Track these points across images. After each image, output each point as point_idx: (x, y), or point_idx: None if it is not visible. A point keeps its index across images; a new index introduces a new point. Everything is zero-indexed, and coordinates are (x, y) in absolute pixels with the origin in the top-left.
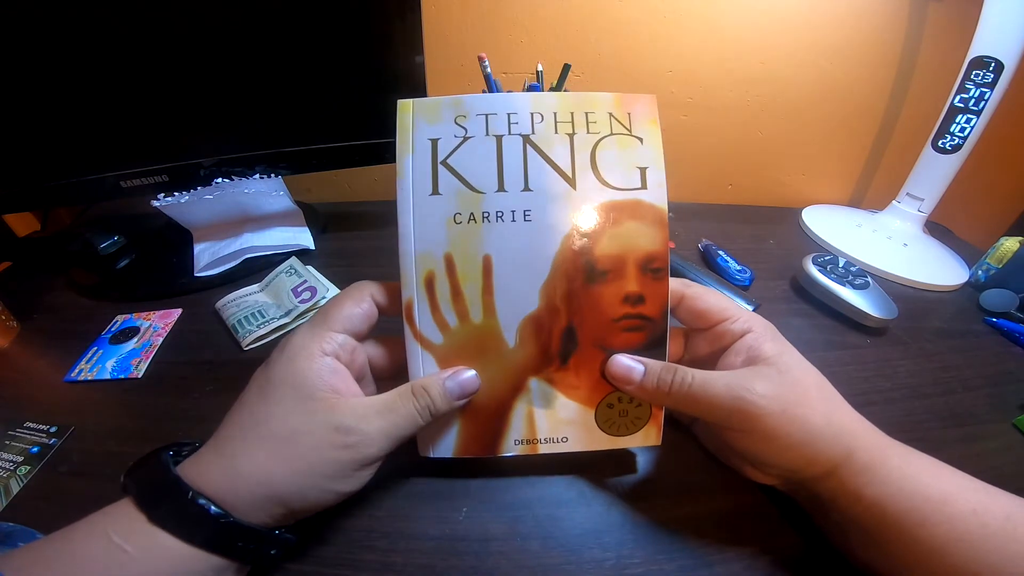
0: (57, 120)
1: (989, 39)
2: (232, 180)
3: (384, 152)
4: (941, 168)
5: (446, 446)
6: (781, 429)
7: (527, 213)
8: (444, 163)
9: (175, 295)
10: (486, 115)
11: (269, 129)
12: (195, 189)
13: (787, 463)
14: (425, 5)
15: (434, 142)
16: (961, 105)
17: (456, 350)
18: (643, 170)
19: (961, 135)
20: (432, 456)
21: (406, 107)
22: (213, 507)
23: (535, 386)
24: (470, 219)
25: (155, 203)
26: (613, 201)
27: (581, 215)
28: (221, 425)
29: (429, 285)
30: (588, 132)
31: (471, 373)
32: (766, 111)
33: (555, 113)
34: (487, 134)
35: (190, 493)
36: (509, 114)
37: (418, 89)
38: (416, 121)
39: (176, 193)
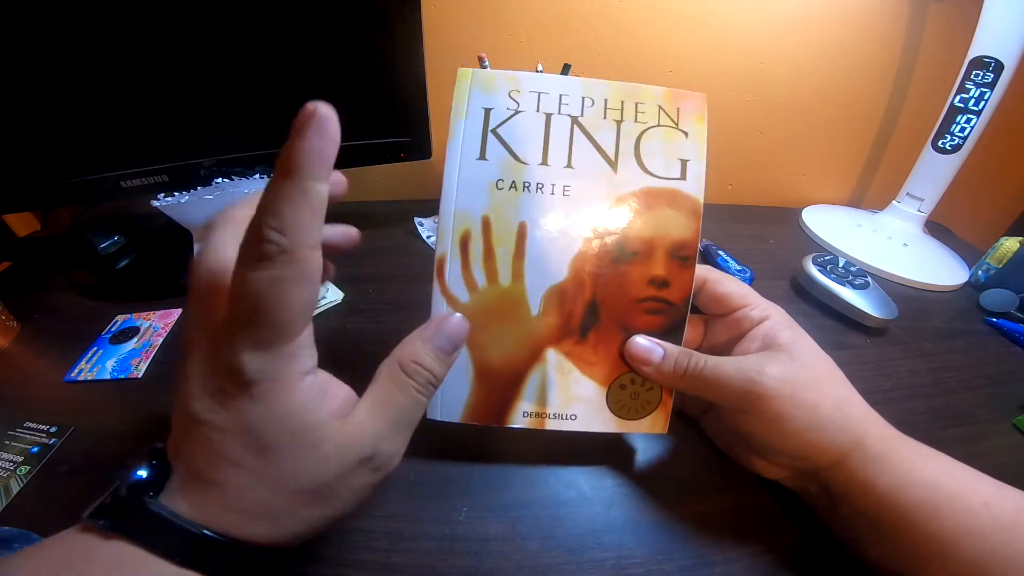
0: (57, 120)
1: (989, 39)
2: (232, 180)
3: (384, 152)
4: (941, 168)
5: (454, 410)
6: (789, 412)
7: (567, 188)
8: (494, 132)
9: (175, 295)
10: (539, 93)
11: (269, 129)
12: (195, 189)
13: (795, 449)
14: (425, 5)
15: (487, 111)
16: (961, 105)
17: (481, 310)
18: (684, 162)
19: (961, 135)
20: (439, 419)
21: (465, 75)
22: (252, 549)
23: (552, 357)
24: (511, 187)
25: (155, 203)
26: (651, 187)
27: (618, 196)
28: (207, 477)
29: (464, 244)
30: (636, 121)
31: (456, 316)
32: (766, 111)
33: (606, 100)
34: (537, 110)
35: (225, 540)
36: (561, 95)
37: (418, 89)
38: (473, 89)
39: (176, 193)
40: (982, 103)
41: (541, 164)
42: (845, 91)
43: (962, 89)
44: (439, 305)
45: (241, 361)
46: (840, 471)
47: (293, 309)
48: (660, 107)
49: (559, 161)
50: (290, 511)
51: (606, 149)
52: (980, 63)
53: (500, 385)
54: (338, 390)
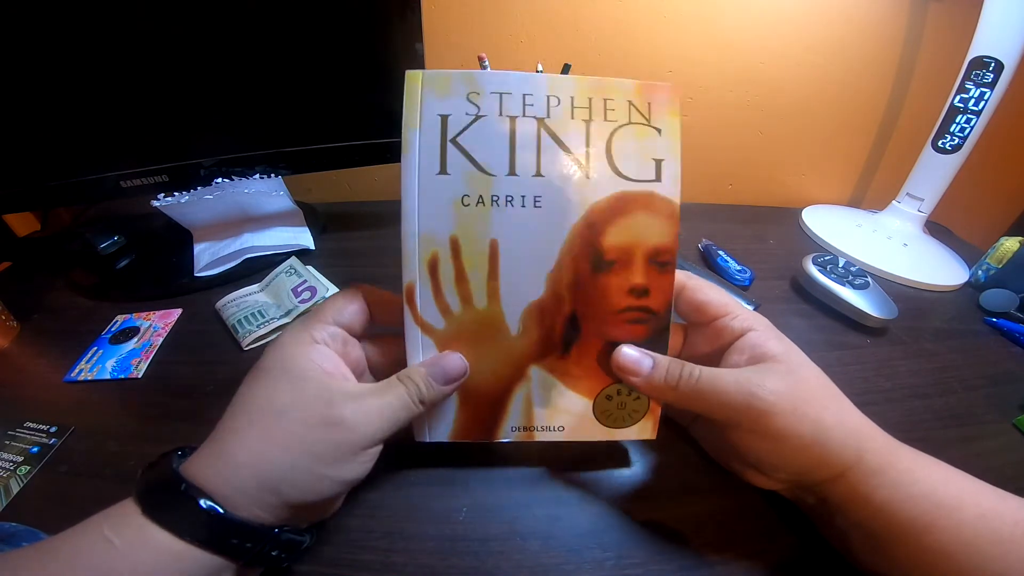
0: (57, 120)
1: (989, 39)
2: (232, 180)
3: (384, 152)
4: (941, 168)
5: (442, 431)
6: (792, 428)
7: (537, 199)
8: (454, 141)
9: (175, 295)
10: (500, 94)
11: (269, 129)
12: (195, 189)
13: (797, 464)
14: (425, 5)
15: (444, 118)
16: (961, 105)
17: (458, 336)
18: (659, 162)
19: (961, 135)
20: (428, 441)
21: (415, 78)
22: (203, 500)
23: (535, 374)
24: (479, 202)
25: (155, 203)
26: (625, 192)
27: (592, 204)
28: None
29: (432, 268)
30: (605, 119)
31: (455, 356)
32: (766, 111)
33: (572, 97)
34: (500, 114)
35: (183, 485)
36: (524, 95)
37: None
38: (425, 94)
39: (176, 193)
40: (982, 103)
41: (509, 174)
42: (845, 91)
43: (962, 89)
44: (413, 334)
45: (284, 331)
46: (840, 484)
47: (326, 315)
48: (630, 103)
49: (528, 170)
50: (243, 439)
51: (576, 152)
52: (980, 63)
53: (486, 405)
54: (342, 368)
